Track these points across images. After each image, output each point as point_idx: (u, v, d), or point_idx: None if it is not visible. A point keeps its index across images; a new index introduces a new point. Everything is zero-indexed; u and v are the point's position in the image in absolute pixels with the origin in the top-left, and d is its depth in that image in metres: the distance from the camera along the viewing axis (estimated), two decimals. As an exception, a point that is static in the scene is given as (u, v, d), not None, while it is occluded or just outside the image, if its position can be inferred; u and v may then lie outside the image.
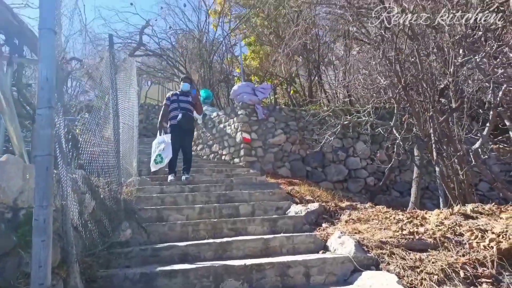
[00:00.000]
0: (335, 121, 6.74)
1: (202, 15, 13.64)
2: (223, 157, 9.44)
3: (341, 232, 3.80)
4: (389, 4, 6.71)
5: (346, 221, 4.44)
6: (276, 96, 15.04)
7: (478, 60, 5.19)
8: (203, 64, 12.65)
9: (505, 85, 4.96)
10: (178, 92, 6.98)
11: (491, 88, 5.02)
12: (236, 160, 8.84)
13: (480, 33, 6.14)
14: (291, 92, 14.01)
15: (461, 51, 6.19)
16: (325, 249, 3.73)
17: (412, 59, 6.55)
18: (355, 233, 3.87)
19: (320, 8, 8.81)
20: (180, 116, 6.62)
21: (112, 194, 3.54)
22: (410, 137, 6.41)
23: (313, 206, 4.84)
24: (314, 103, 10.11)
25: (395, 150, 6.38)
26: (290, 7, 9.35)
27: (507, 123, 5.76)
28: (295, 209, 4.87)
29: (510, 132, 5.52)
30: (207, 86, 12.41)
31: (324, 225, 4.44)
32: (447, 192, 6.11)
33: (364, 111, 6.69)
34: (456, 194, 6.17)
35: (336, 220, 4.63)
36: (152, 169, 6.46)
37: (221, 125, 9.67)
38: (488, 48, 4.91)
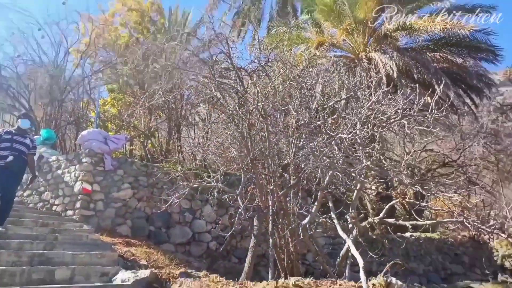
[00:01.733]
0: (185, 184, 6.71)
1: (62, 51, 12.58)
2: (54, 208, 8.30)
3: (166, 305, 3.58)
4: (248, 83, 7.37)
5: (175, 292, 4.23)
6: (132, 147, 14.39)
7: (313, 147, 5.97)
8: (52, 102, 11.41)
9: (331, 172, 5.76)
10: (13, 131, 6.05)
11: (319, 173, 5.76)
12: (70, 212, 7.86)
13: (319, 122, 7.17)
14: (149, 145, 13.63)
15: (303, 135, 7.07)
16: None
17: (262, 135, 7.15)
18: (182, 305, 3.70)
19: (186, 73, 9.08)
20: (11, 158, 5.69)
21: None
22: (252, 207, 6.76)
23: (144, 273, 4.51)
24: (169, 161, 9.96)
25: (237, 217, 6.60)
26: (158, 64, 9.42)
27: (330, 204, 6.62)
28: (123, 276, 4.45)
29: (331, 212, 6.34)
30: (52, 126, 11.12)
31: (151, 295, 4.14)
32: (277, 262, 6.51)
33: (213, 177, 6.84)
34: (285, 264, 6.61)
35: (166, 290, 4.38)
36: None
37: (59, 171, 8.62)
38: (320, 139, 5.69)
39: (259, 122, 7.36)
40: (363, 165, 5.39)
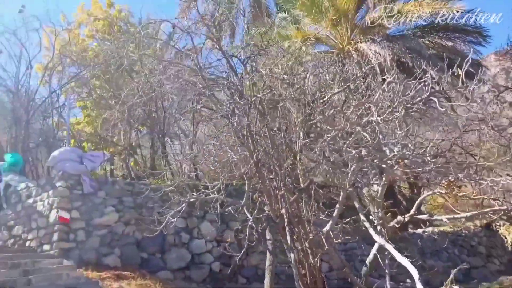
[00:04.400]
0: (180, 198, 5.66)
1: (23, 65, 11.29)
2: (27, 243, 7.14)
3: None
4: (241, 75, 6.43)
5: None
6: (113, 167, 13.18)
7: (328, 139, 5.07)
8: (17, 123, 10.14)
9: (355, 165, 4.86)
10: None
11: (337, 171, 4.84)
12: (46, 247, 6.69)
13: (321, 117, 6.28)
14: (131, 163, 12.47)
15: (301, 133, 6.16)
16: None
17: (264, 135, 6.23)
18: None
19: (168, 77, 8.06)
20: None
21: None
22: (261, 218, 5.78)
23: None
24: (156, 176, 8.86)
25: (245, 232, 5.60)
26: (134, 71, 8.40)
27: (357, 205, 5.70)
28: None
29: (360, 214, 5.42)
30: (18, 149, 9.85)
31: None
32: (299, 281, 5.51)
33: (213, 187, 5.83)
34: (307, 281, 5.63)
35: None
36: None
37: (30, 200, 7.44)
38: (339, 126, 4.80)
39: (256, 120, 6.45)
40: (396, 151, 4.51)
